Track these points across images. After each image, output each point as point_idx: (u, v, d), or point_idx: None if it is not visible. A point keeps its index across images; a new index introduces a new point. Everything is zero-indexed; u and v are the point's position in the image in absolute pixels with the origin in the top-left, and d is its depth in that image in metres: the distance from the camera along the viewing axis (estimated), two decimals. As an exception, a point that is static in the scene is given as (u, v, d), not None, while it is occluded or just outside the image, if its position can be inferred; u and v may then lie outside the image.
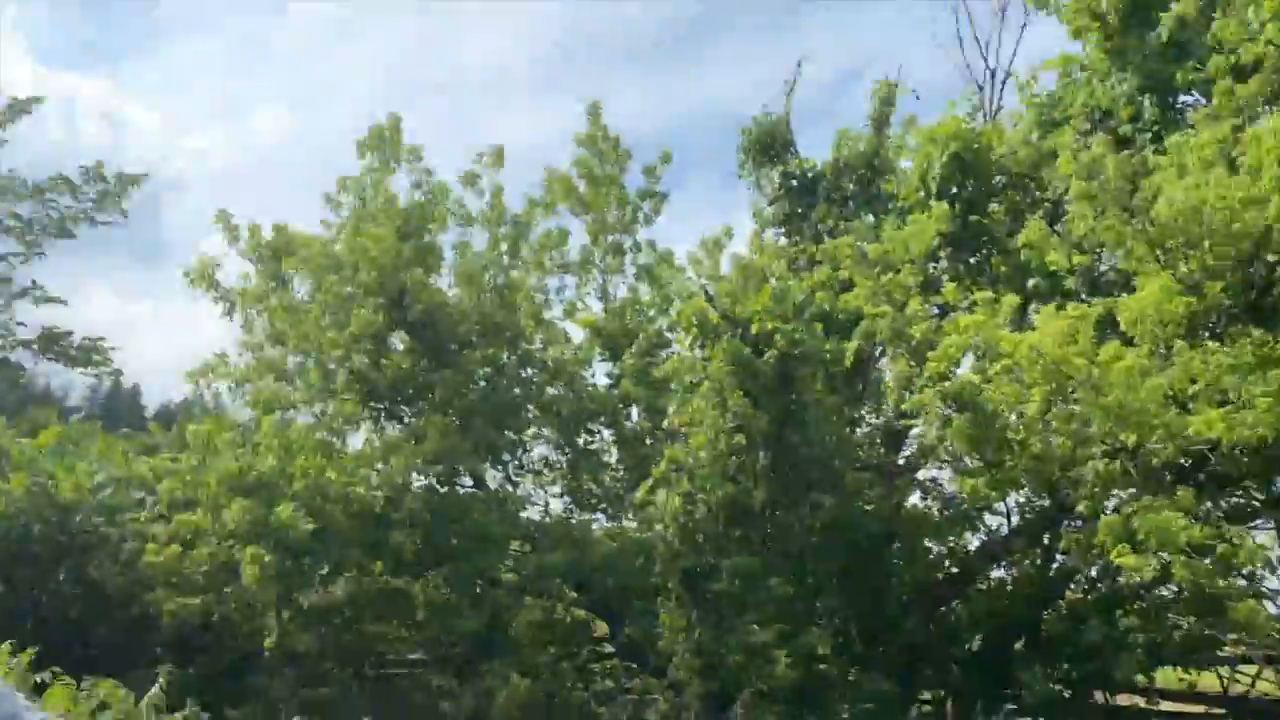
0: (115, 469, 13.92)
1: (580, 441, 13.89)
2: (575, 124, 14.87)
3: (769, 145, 14.07)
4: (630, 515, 13.40)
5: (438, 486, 13.03)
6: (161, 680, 8.06)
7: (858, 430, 12.63)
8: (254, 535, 11.20)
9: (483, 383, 13.68)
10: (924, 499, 12.14)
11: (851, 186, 13.80)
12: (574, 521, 13.71)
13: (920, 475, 12.11)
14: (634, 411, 13.92)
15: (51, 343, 25.23)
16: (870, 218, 13.28)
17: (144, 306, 68.67)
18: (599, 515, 14.06)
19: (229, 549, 11.48)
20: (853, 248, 11.84)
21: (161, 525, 12.37)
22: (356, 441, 13.76)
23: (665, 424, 11.83)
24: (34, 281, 25.36)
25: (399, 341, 13.86)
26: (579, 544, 12.66)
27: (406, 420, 13.59)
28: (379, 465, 12.86)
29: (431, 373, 13.11)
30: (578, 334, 14.56)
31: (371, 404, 13.65)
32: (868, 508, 11.25)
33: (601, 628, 13.10)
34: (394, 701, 12.41)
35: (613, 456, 14.11)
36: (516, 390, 13.65)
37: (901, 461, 12.31)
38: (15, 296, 25.08)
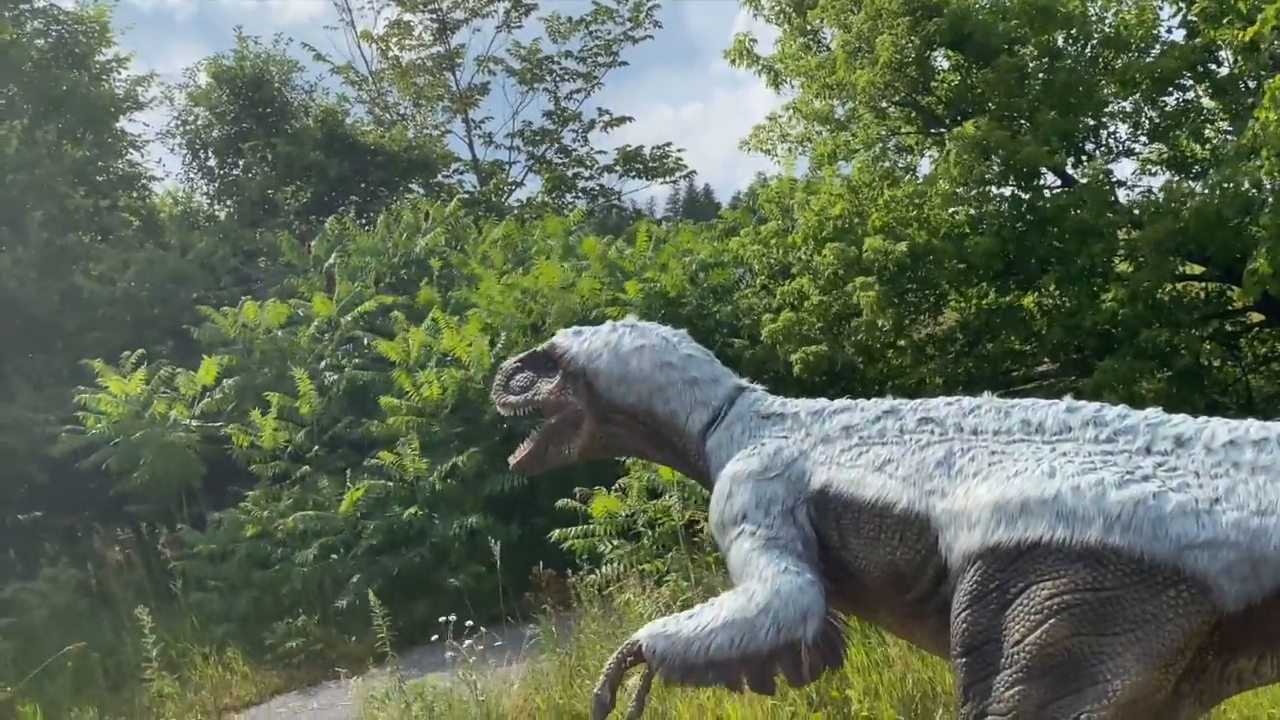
0: (705, 259, 14.95)
1: (1169, 103, 12.47)
2: None
3: None
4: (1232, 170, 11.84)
5: (1021, 194, 12.48)
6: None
7: None
8: (852, 275, 11.52)
9: (1040, 75, 12.71)
10: None
11: None
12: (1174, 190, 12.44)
13: None
14: (1225, 54, 12.20)
15: (628, 161, 27.72)
16: None
17: (694, 109, 72.44)
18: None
19: (834, 297, 11.86)
20: None
21: (765, 296, 13.09)
22: (924, 169, 13.58)
23: (1239, 38, 9.96)
24: (599, 110, 27.87)
25: (943, 58, 13.39)
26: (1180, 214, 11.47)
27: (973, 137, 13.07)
28: (958, 190, 12.53)
29: (985, 82, 12.42)
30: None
31: (931, 131, 13.40)
32: None
33: (1244, 299, 11.92)
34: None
35: (1212, 112, 12.56)
36: (1083, 69, 12.51)
37: None
38: (587, 129, 27.78)
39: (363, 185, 23.25)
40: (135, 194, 20.33)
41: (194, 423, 12.85)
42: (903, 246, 11.28)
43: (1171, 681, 3.13)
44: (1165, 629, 3.06)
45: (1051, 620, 3.13)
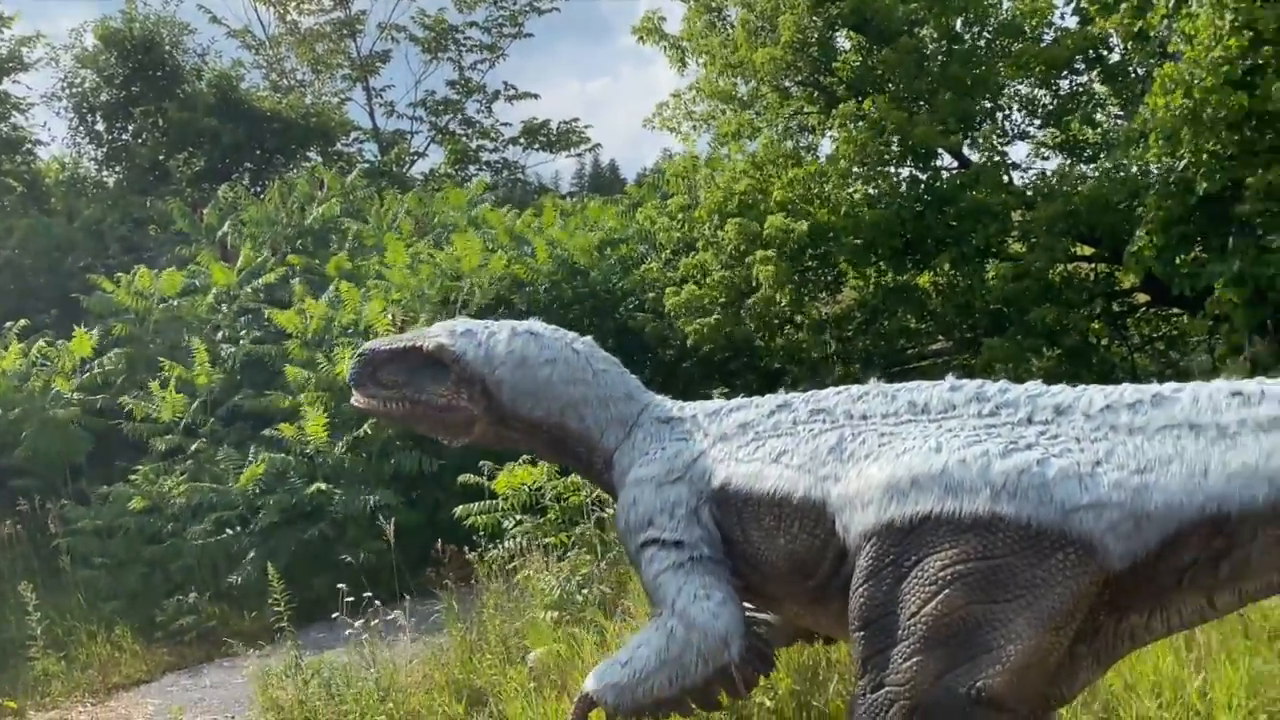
0: (613, 230, 14.95)
1: (1062, 87, 12.81)
2: None
3: None
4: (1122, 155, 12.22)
5: (918, 175, 12.70)
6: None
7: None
8: (753, 250, 11.64)
9: (940, 58, 12.93)
10: None
11: None
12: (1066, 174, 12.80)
13: None
14: (1115, 41, 12.55)
15: (533, 135, 27.54)
16: None
17: (601, 84, 72.13)
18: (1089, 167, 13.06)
19: (737, 273, 11.97)
20: None
21: (670, 270, 13.14)
22: (826, 149, 13.74)
23: (1136, 26, 10.24)
24: (505, 83, 27.63)
25: (844, 40, 13.54)
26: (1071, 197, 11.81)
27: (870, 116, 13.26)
28: (854, 168, 12.70)
29: (885, 63, 12.60)
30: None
31: (832, 112, 13.54)
32: None
33: (1130, 279, 12.32)
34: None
35: (1103, 97, 12.94)
36: (980, 52, 12.76)
37: None
38: (491, 100, 27.52)
39: (258, 152, 22.69)
40: (19, 159, 19.58)
41: (76, 395, 12.44)
42: (803, 225, 11.43)
43: (1065, 644, 3.22)
44: (1055, 591, 3.14)
45: (945, 591, 3.20)
